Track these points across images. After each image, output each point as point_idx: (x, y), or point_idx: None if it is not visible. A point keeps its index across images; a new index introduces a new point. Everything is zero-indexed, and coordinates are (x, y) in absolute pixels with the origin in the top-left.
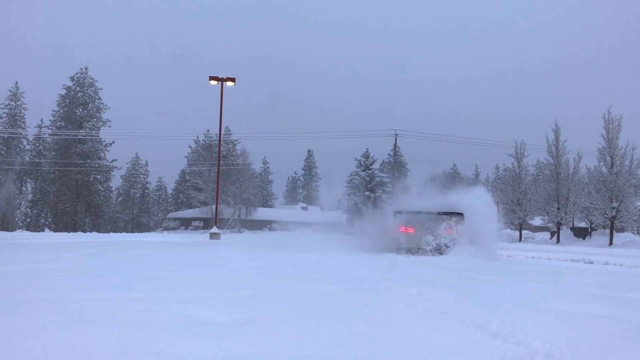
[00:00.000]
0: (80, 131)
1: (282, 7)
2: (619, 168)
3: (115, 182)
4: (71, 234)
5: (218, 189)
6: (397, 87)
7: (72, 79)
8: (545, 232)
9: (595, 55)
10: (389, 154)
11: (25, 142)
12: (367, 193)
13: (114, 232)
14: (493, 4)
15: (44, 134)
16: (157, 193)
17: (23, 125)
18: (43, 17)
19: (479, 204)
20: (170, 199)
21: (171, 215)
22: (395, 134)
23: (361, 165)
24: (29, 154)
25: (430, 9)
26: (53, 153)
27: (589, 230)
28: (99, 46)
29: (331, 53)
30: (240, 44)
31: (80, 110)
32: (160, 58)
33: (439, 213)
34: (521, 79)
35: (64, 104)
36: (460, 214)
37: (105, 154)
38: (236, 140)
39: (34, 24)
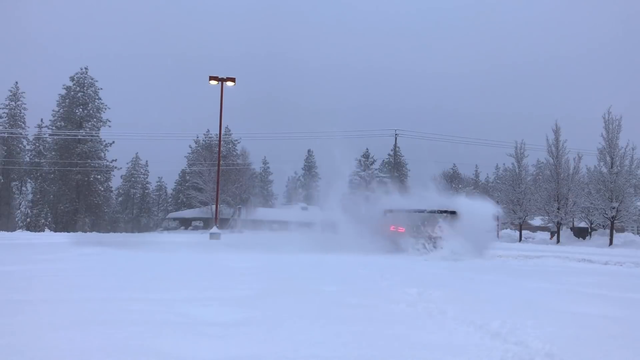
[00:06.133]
0: (80, 131)
1: (281, 3)
2: (619, 168)
3: (115, 182)
4: (71, 234)
5: (218, 189)
6: (397, 87)
7: (72, 79)
8: (546, 232)
9: (596, 54)
10: (389, 154)
11: (25, 142)
12: (367, 193)
13: (114, 232)
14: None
15: (44, 134)
16: (157, 193)
17: (23, 125)
18: (43, 16)
19: (475, 203)
20: (170, 199)
21: (171, 215)
22: (395, 134)
23: (361, 165)
24: (29, 154)
25: (430, 8)
26: (53, 153)
27: (589, 230)
28: (99, 46)
29: (330, 49)
30: (239, 41)
31: (80, 110)
32: (161, 58)
33: (431, 212)
34: (521, 79)
35: (64, 104)
36: (453, 212)
37: (105, 154)
38: (236, 140)
39: (34, 24)
